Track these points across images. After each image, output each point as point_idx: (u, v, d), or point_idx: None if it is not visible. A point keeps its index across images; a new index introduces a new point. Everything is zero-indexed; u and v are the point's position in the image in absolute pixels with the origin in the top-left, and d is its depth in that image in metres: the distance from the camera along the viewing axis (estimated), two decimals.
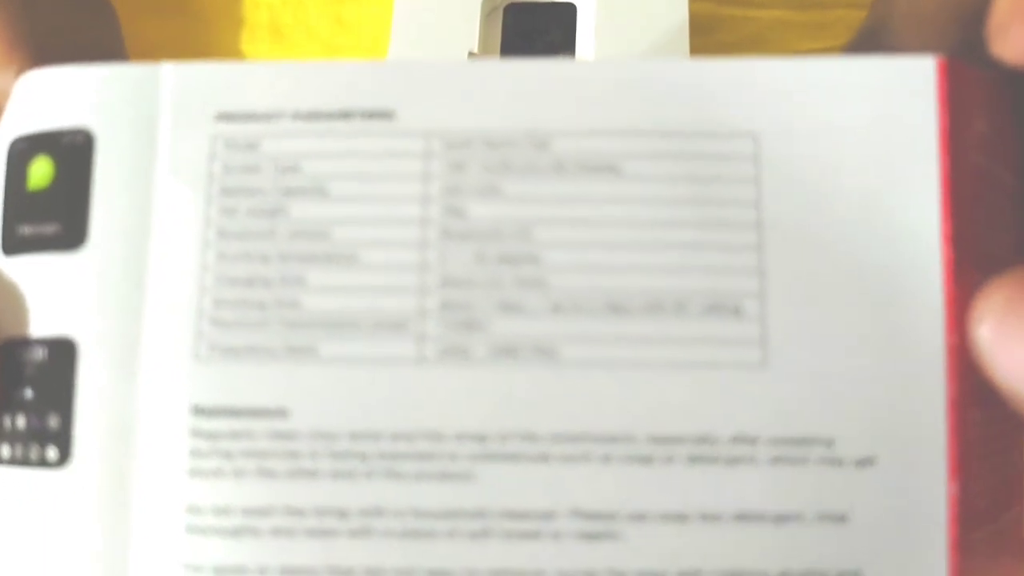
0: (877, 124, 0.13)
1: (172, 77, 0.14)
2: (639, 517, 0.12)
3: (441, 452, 0.13)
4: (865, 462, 0.12)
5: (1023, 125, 0.14)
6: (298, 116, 0.13)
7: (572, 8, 0.36)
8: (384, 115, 0.13)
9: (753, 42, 0.40)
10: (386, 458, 0.13)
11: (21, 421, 0.14)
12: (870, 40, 0.16)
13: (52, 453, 0.13)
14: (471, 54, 0.35)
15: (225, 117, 0.13)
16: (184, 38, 0.43)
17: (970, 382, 0.13)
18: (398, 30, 0.36)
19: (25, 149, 0.14)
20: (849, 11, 0.39)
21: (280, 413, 0.13)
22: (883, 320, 0.13)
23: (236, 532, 0.13)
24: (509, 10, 0.37)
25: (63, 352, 0.13)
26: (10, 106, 0.14)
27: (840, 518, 0.12)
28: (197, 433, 0.13)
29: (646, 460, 0.12)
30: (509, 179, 0.13)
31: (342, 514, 0.12)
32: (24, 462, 0.13)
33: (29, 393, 0.13)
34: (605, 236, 0.13)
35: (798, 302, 0.13)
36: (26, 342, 0.14)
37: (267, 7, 0.43)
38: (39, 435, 0.13)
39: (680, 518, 0.12)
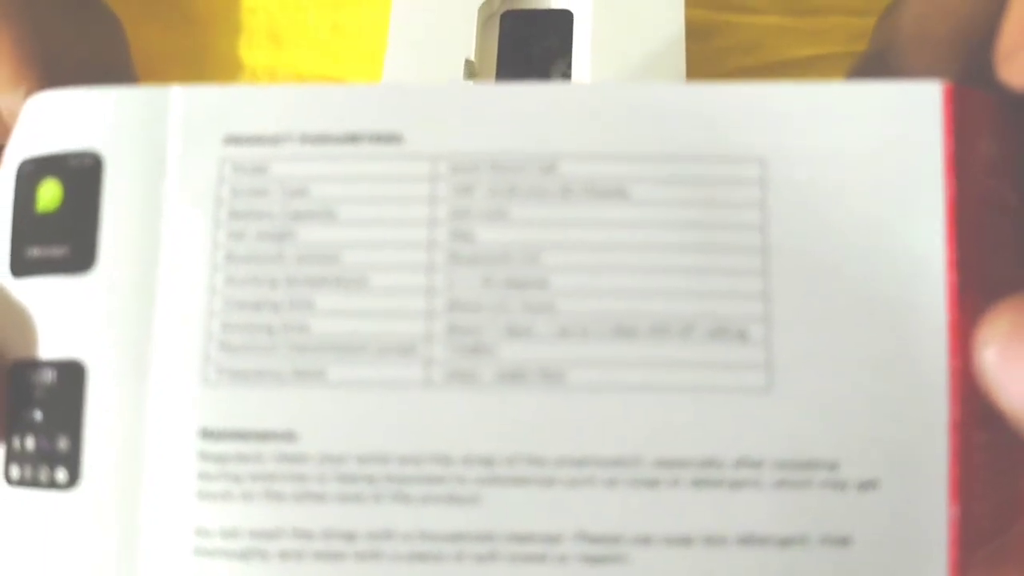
0: (883, 149, 0.13)
1: (180, 100, 0.14)
2: (644, 540, 0.12)
3: (448, 475, 0.13)
4: (868, 485, 0.13)
5: None
6: (306, 139, 0.13)
7: (569, 15, 0.36)
8: (391, 138, 0.13)
9: (749, 48, 0.40)
10: (394, 481, 0.13)
11: (31, 443, 0.14)
12: (877, 62, 0.16)
13: (61, 475, 0.13)
14: (468, 61, 0.35)
15: (233, 140, 0.13)
16: (182, 45, 0.43)
17: (973, 405, 0.13)
18: (395, 37, 0.36)
19: (34, 171, 0.14)
20: (846, 18, 0.39)
21: (288, 436, 0.13)
22: (888, 344, 0.13)
23: (245, 555, 0.12)
24: (506, 17, 0.37)
25: (72, 374, 0.13)
26: (19, 127, 0.14)
27: (843, 541, 0.13)
28: (205, 456, 0.13)
29: (651, 483, 0.12)
30: (516, 203, 0.13)
31: (350, 537, 0.12)
32: (34, 483, 0.14)
33: (39, 415, 0.13)
34: (612, 260, 0.13)
35: (803, 326, 0.13)
36: (35, 364, 0.14)
37: (265, 13, 0.43)
38: (49, 457, 0.13)
39: (685, 541, 0.12)
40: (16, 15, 0.16)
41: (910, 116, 0.13)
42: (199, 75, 0.43)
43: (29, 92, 0.15)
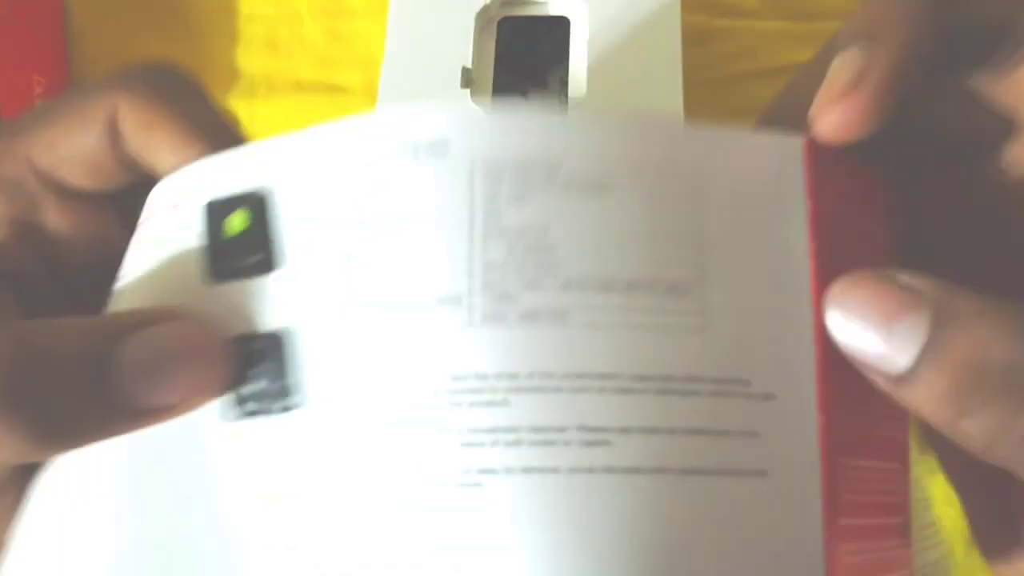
0: (772, 174, 0.18)
1: (331, 133, 0.19)
2: (624, 431, 0.17)
3: (486, 387, 0.17)
4: (768, 396, 0.18)
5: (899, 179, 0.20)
6: (392, 152, 0.18)
7: (565, 21, 0.36)
8: (442, 145, 0.18)
9: (747, 54, 0.40)
10: (448, 392, 0.17)
11: (262, 384, 0.19)
12: (778, 117, 0.21)
13: (292, 400, 0.18)
14: (465, 69, 0.35)
15: (368, 163, 0.18)
16: (180, 52, 0.43)
17: (831, 348, 0.18)
18: (392, 44, 0.36)
19: (225, 205, 0.19)
20: (840, 23, 0.39)
21: None
22: (778, 301, 0.18)
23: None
24: (503, 24, 0.37)
25: (286, 337, 0.19)
26: (200, 179, 0.20)
27: (753, 434, 0.18)
28: None
29: (628, 391, 0.17)
30: (531, 192, 0.18)
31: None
32: (267, 411, 0.18)
33: (265, 367, 0.19)
34: (599, 234, 0.18)
35: (727, 286, 0.18)
36: (253, 336, 0.19)
37: (262, 21, 0.43)
38: (279, 392, 0.19)
39: (651, 431, 0.17)
40: (177, 96, 0.21)
41: (786, 156, 0.18)
42: None
43: (196, 156, 0.20)
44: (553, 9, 0.36)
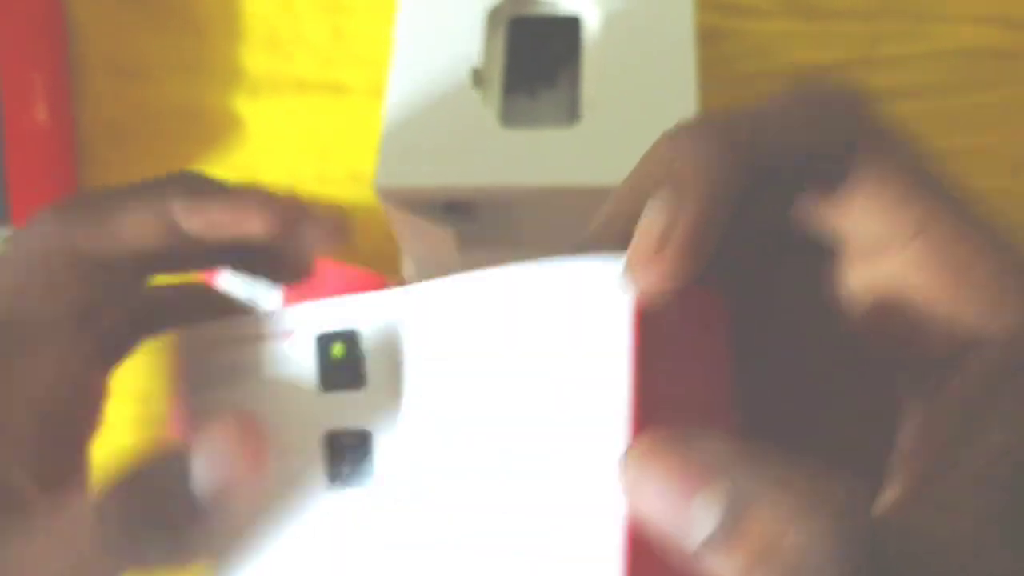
0: (595, 306, 0.19)
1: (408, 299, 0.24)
2: None
3: None
4: (566, 559, 0.19)
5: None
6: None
7: (576, 22, 0.36)
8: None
9: (758, 53, 0.39)
10: None
11: (348, 466, 0.25)
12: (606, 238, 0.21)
13: (366, 480, 0.24)
14: (475, 70, 0.34)
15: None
16: (182, 52, 0.43)
17: None
18: (401, 44, 0.35)
19: (328, 338, 0.25)
20: (853, 24, 0.39)
21: None
22: (597, 453, 0.18)
23: None
24: (513, 24, 0.36)
25: (365, 437, 0.24)
26: (310, 316, 0.25)
27: None
28: None
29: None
30: None
31: None
32: (350, 486, 0.24)
33: (352, 455, 0.25)
34: None
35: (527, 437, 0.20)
36: (346, 432, 0.25)
37: (264, 20, 0.42)
38: (357, 473, 0.24)
39: None
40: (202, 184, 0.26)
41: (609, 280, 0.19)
42: (199, 82, 0.43)
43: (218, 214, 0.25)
44: (564, 9, 0.35)
